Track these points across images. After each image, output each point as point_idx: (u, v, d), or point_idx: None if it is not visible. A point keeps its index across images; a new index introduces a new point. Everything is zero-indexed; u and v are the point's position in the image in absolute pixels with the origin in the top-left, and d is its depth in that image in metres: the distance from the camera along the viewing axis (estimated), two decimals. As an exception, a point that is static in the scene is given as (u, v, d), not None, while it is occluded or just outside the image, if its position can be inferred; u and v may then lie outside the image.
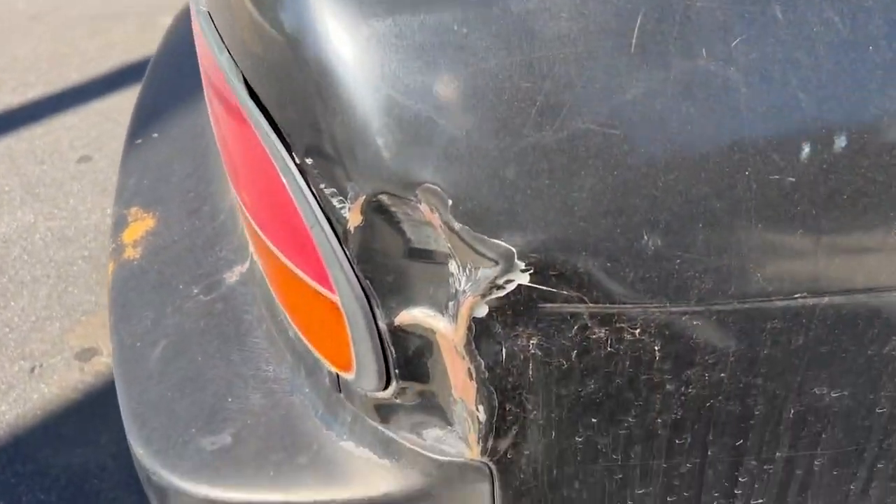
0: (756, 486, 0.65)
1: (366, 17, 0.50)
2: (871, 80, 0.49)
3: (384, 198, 0.52)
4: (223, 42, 0.63)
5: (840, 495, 0.66)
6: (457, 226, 0.52)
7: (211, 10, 0.67)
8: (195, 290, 0.88)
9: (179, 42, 1.41)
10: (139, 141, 1.18)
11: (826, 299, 0.54)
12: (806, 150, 0.50)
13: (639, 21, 0.49)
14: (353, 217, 0.53)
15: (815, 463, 0.63)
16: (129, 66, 3.14)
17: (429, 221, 0.52)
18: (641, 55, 0.49)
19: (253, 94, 0.58)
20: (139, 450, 0.73)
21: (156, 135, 1.18)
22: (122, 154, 1.18)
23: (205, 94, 0.82)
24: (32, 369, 1.83)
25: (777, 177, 0.50)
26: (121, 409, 0.80)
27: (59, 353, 1.87)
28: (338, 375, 0.67)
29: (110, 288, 0.93)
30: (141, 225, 1.01)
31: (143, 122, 1.23)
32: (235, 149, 0.65)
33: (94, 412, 1.72)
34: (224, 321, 0.83)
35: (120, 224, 1.02)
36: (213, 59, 0.64)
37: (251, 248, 0.86)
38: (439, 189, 0.51)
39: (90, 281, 2.07)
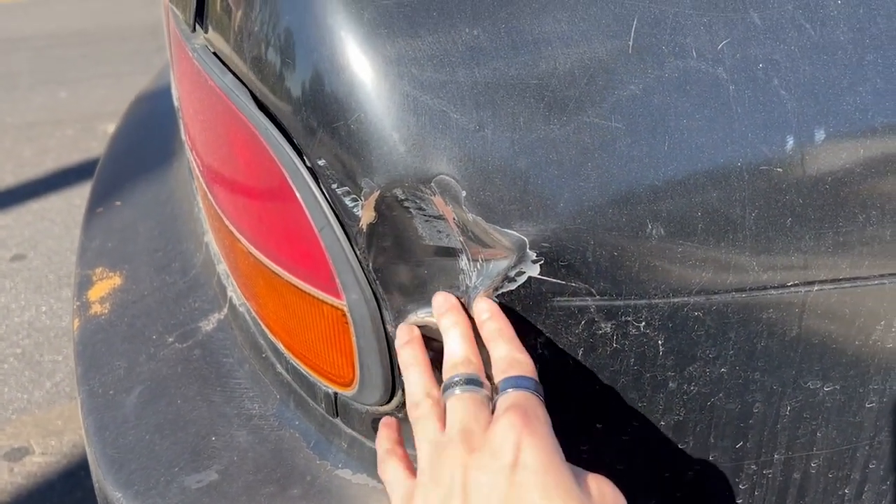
0: (756, 492, 0.65)
1: (382, 19, 0.53)
2: (842, 79, 0.55)
3: (398, 192, 0.53)
4: (225, 66, 0.65)
5: (836, 500, 0.67)
6: (470, 217, 0.53)
7: (211, 39, 0.69)
8: (170, 339, 0.85)
9: (140, 117, 1.43)
10: (100, 209, 1.17)
11: (816, 288, 0.57)
12: (790, 142, 0.54)
13: (634, 24, 0.54)
14: (366, 213, 0.54)
15: (812, 465, 0.65)
16: (65, 169, 3.11)
17: (442, 214, 0.54)
18: (638, 55, 0.54)
19: (260, 108, 0.60)
20: (116, 493, 0.68)
21: (118, 203, 1.18)
22: (82, 222, 1.17)
23: (185, 134, 0.83)
24: (-43, 470, 1.70)
25: (766, 167, 0.54)
26: (91, 459, 0.76)
27: (-13, 453, 1.75)
28: (335, 398, 0.66)
29: (76, 343, 0.90)
30: (107, 283, 0.99)
31: (104, 192, 1.22)
32: (234, 170, 0.66)
33: (26, 513, 1.60)
34: (203, 365, 0.81)
35: (84, 284, 0.99)
36: (211, 83, 0.66)
37: (230, 292, 0.85)
38: (453, 180, 0.53)
39: (22, 378, 1.96)
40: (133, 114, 1.50)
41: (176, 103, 1.06)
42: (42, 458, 1.74)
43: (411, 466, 0.56)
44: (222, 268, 0.87)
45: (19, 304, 2.25)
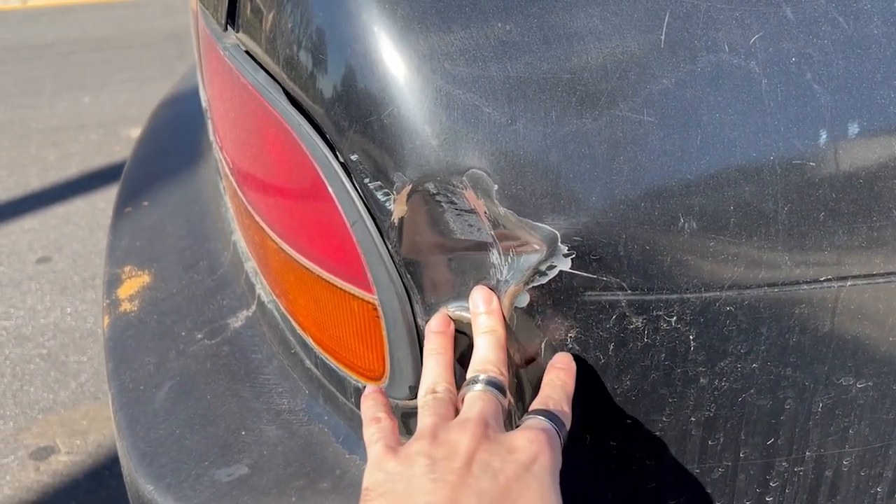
0: (787, 490, 0.65)
1: (415, 14, 0.54)
2: (876, 73, 0.55)
3: (430, 185, 0.54)
4: (257, 64, 0.66)
5: (868, 498, 0.66)
6: (501, 210, 0.53)
7: (242, 39, 0.70)
8: (199, 336, 0.86)
9: (165, 121, 1.44)
10: (128, 209, 1.18)
11: (849, 283, 0.57)
12: (823, 136, 0.54)
13: (666, 19, 0.54)
14: (398, 207, 0.55)
15: (844, 462, 0.64)
16: (89, 173, 3.15)
17: (473, 208, 0.54)
18: (670, 49, 0.54)
19: (293, 104, 0.60)
20: (149, 486, 0.69)
21: (146, 203, 1.19)
22: (110, 222, 1.18)
23: (214, 134, 0.84)
24: (-18, 469, 1.73)
25: (799, 161, 0.54)
26: (122, 453, 0.77)
27: (13, 452, 1.77)
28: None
29: (106, 339, 0.91)
30: (136, 281, 1.00)
31: (132, 193, 1.24)
32: (266, 166, 0.67)
33: (51, 512, 1.61)
34: (232, 361, 0.81)
35: (113, 282, 1.00)
36: (243, 81, 0.67)
37: (258, 289, 0.85)
38: (485, 174, 0.53)
39: (48, 379, 1.99)
40: (158, 117, 1.52)
41: (204, 104, 1.07)
42: (68, 458, 1.76)
43: (397, 431, 0.54)
44: (250, 265, 0.88)
45: (45, 306, 2.27)
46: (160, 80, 4.20)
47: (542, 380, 0.57)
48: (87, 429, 1.83)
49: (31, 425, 1.85)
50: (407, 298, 0.58)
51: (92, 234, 2.65)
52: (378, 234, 0.57)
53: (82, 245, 2.60)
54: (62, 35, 5.20)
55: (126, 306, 0.95)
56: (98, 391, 1.93)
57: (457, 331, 0.59)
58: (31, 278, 2.42)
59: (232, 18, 0.73)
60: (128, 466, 0.74)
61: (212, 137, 1.01)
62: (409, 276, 0.57)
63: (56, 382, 1.98)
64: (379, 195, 0.56)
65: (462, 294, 0.58)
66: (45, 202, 2.90)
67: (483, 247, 0.56)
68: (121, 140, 3.45)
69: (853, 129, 0.54)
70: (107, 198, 2.89)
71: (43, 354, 2.08)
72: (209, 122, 1.02)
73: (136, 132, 3.50)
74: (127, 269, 1.03)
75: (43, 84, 4.23)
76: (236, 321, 0.87)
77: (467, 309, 0.58)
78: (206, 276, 0.97)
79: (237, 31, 0.73)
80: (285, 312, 0.75)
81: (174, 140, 1.40)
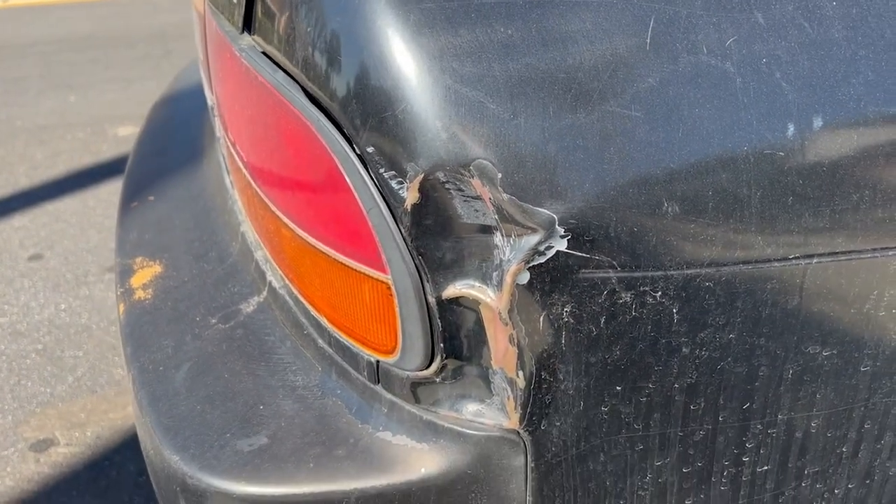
0: (762, 451, 0.72)
1: (426, 19, 0.59)
2: (837, 72, 0.61)
3: (440, 174, 0.60)
4: (276, 64, 0.72)
5: (834, 458, 0.73)
6: (504, 197, 0.59)
7: (259, 41, 0.75)
8: (213, 321, 0.92)
9: (164, 119, 1.49)
10: (135, 204, 1.23)
11: (815, 261, 0.64)
12: (791, 129, 0.61)
13: (651, 24, 0.60)
14: (410, 195, 0.61)
15: (812, 424, 0.71)
16: (77, 171, 3.17)
17: (479, 195, 0.60)
18: (655, 51, 0.60)
19: (312, 101, 0.66)
20: (174, 456, 0.74)
21: (152, 198, 1.24)
22: (117, 216, 1.23)
23: (223, 131, 0.90)
24: (-16, 461, 1.76)
25: (770, 151, 0.61)
26: (144, 429, 0.82)
27: (13, 444, 1.81)
28: (377, 366, 0.72)
29: (122, 325, 0.96)
30: (149, 271, 1.05)
31: (136, 189, 1.28)
32: (284, 160, 0.72)
33: None
34: (246, 343, 0.87)
35: (126, 273, 1.05)
36: (261, 80, 0.72)
37: (269, 276, 0.91)
38: (490, 164, 0.59)
39: (45, 373, 2.02)
40: (155, 117, 1.57)
41: (210, 103, 1.12)
42: (67, 449, 1.80)
43: None
44: (261, 254, 0.93)
45: (39, 303, 2.31)
46: (146, 78, 4.23)
47: (541, 351, 0.63)
48: (85, 421, 1.87)
49: (30, 418, 1.89)
50: (418, 277, 0.64)
51: (83, 231, 2.68)
52: (392, 220, 0.63)
53: (73, 242, 2.63)
54: (46, 34, 5.20)
55: (140, 294, 1.00)
56: (95, 385, 1.97)
57: (463, 307, 0.65)
58: (23, 276, 2.45)
59: (248, 22, 0.79)
60: (151, 441, 0.79)
61: (219, 134, 1.06)
62: (420, 257, 0.63)
63: (53, 377, 2.01)
64: (393, 184, 0.61)
65: (469, 273, 0.64)
66: (35, 200, 2.93)
67: (488, 230, 0.62)
68: (108, 138, 3.48)
69: (817, 122, 0.61)
70: (96, 196, 2.92)
71: (39, 350, 2.11)
72: (216, 119, 1.07)
73: (123, 131, 3.54)
74: (138, 259, 1.07)
75: (28, 83, 4.24)
76: (248, 306, 0.93)
77: (473, 286, 0.64)
78: (217, 265, 1.02)
79: (252, 34, 0.79)
80: (299, 296, 0.81)
81: (175, 138, 1.45)
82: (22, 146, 3.42)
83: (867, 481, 0.76)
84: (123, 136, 3.50)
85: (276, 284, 0.89)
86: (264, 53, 0.75)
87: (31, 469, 1.75)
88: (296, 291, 0.82)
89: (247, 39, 0.79)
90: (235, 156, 0.90)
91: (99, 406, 1.92)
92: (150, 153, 1.41)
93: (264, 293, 0.93)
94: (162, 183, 1.29)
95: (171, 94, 1.72)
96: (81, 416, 1.89)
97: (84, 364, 2.05)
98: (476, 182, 0.60)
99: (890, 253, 0.64)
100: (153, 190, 1.27)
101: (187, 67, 1.85)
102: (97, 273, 2.45)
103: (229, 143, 0.93)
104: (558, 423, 0.68)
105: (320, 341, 0.80)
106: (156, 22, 5.34)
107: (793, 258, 0.64)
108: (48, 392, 1.96)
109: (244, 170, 0.86)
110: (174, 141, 1.44)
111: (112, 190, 2.96)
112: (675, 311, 0.64)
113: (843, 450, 0.73)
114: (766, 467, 0.73)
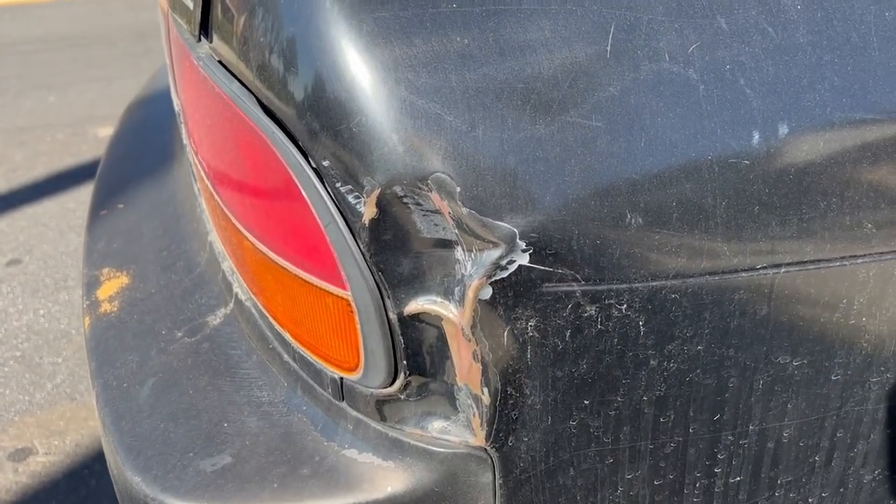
0: (734, 462, 0.70)
1: (380, 29, 0.58)
2: (802, 78, 0.60)
3: (398, 189, 0.58)
4: (231, 73, 0.70)
5: (807, 467, 0.72)
6: (464, 211, 0.58)
7: (216, 48, 0.73)
8: (179, 334, 0.90)
9: (137, 122, 1.47)
10: (104, 211, 1.21)
11: (783, 270, 0.63)
12: (756, 136, 0.59)
13: (612, 31, 0.59)
14: (368, 210, 0.59)
15: (784, 434, 0.70)
16: (57, 173, 3.13)
17: (438, 209, 0.59)
18: (616, 59, 0.58)
19: (266, 113, 0.64)
20: (135, 477, 0.73)
21: (121, 205, 1.22)
22: (86, 224, 1.20)
23: (188, 138, 0.88)
24: (-38, 470, 1.74)
25: (735, 160, 0.59)
26: (108, 448, 0.80)
27: (-10, 454, 1.78)
28: (341, 382, 0.70)
29: (88, 339, 0.94)
30: (115, 282, 1.03)
31: (106, 195, 1.26)
32: (241, 172, 0.70)
33: (32, 511, 1.63)
34: (212, 357, 0.85)
35: (92, 284, 1.03)
36: (217, 91, 0.71)
37: (236, 288, 0.89)
38: (448, 177, 0.57)
39: (23, 381, 2.00)
40: (129, 119, 1.54)
41: (177, 108, 1.10)
42: (46, 458, 1.78)
43: None
44: (227, 265, 0.92)
45: (17, 308, 2.28)
46: (127, 77, 4.18)
47: (506, 366, 0.62)
48: (64, 429, 1.85)
49: (8, 427, 1.86)
50: (378, 294, 0.62)
51: (62, 235, 2.65)
52: (350, 235, 0.61)
53: (53, 246, 2.59)
54: (24, 33, 5.14)
55: (106, 307, 0.98)
56: (74, 392, 1.95)
57: (426, 323, 0.63)
58: (1, 281, 2.41)
59: (205, 28, 0.77)
60: (114, 461, 0.77)
61: (185, 141, 1.04)
62: (379, 272, 0.62)
63: (31, 384, 1.99)
64: (350, 198, 0.60)
65: (430, 288, 0.62)
66: (14, 203, 2.89)
67: (448, 244, 0.60)
68: (88, 139, 3.44)
69: (783, 129, 0.59)
70: (76, 198, 2.89)
71: (17, 357, 2.09)
72: (182, 125, 1.05)
73: (103, 131, 3.50)
74: (105, 270, 1.05)
75: (7, 83, 4.18)
76: (215, 319, 0.91)
77: (435, 302, 0.62)
78: (184, 275, 1.00)
79: (210, 41, 0.77)
80: (263, 310, 0.79)
81: (147, 142, 1.42)
82: (1, 148, 3.38)
83: (841, 489, 0.75)
84: (104, 136, 3.46)
85: (242, 296, 0.88)
86: (220, 62, 0.73)
87: (9, 479, 1.73)
88: (260, 305, 0.80)
89: (205, 48, 0.77)
90: (197, 164, 0.88)
91: (78, 413, 1.89)
92: (121, 157, 1.39)
93: (231, 305, 0.91)
94: (132, 189, 1.26)
95: (145, 95, 1.69)
96: (60, 423, 1.87)
97: (63, 370, 2.03)
98: (434, 196, 0.58)
99: (858, 261, 0.63)
100: (123, 196, 1.24)
101: (163, 67, 1.83)
102: (77, 277, 2.42)
103: (192, 152, 0.91)
104: (526, 439, 0.67)
105: (286, 356, 0.78)
106: (136, 20, 5.29)
107: (760, 268, 0.62)
108: (27, 400, 1.94)
109: (206, 179, 0.84)
110: (147, 144, 1.42)
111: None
112: (641, 323, 0.63)
113: (816, 459, 0.72)
114: (738, 478, 0.72)
